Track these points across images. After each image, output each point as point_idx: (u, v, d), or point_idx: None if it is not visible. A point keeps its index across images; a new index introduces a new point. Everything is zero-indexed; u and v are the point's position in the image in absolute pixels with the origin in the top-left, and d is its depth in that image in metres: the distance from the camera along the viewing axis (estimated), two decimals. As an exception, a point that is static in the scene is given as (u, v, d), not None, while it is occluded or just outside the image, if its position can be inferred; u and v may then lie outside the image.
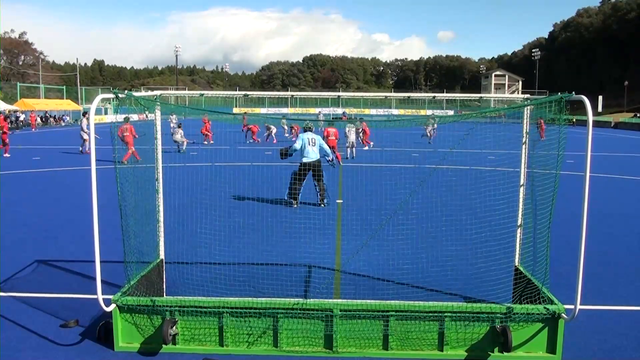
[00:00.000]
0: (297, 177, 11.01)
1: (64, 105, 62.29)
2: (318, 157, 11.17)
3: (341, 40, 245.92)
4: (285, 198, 11.26)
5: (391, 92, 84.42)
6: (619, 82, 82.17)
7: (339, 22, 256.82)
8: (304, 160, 11.05)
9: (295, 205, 11.07)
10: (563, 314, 4.66)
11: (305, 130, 11.61)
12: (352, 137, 21.99)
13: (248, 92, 6.69)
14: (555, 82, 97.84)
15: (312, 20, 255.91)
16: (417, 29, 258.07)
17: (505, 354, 4.70)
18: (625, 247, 8.59)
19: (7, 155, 22.26)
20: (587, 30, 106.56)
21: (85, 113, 19.41)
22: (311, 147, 11.10)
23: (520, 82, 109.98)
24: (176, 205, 10.17)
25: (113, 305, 4.77)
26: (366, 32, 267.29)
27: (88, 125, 20.06)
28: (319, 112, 65.91)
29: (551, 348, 4.74)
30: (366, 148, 24.99)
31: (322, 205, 11.22)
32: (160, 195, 5.79)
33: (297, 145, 11.19)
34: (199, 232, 8.16)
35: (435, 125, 33.20)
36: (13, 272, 6.98)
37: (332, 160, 12.02)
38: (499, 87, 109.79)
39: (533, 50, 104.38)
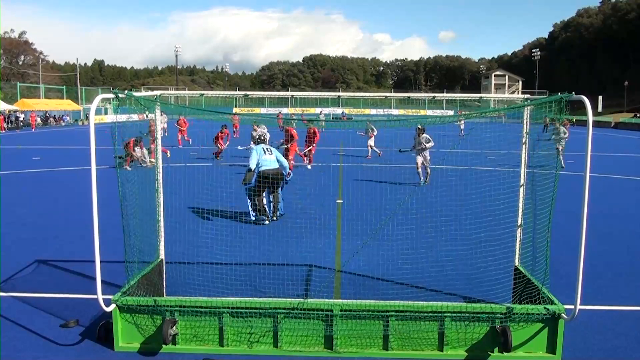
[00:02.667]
0: (255, 191, 9.96)
1: (64, 105, 62.28)
2: (277, 166, 10.12)
3: (342, 40, 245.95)
4: (252, 217, 10.08)
5: (391, 92, 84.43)
6: (619, 82, 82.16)
7: (340, 22, 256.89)
8: (262, 169, 9.97)
9: (268, 222, 9.96)
10: (563, 314, 4.66)
11: (258, 142, 10.67)
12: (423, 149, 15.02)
13: (248, 92, 6.69)
14: (555, 82, 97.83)
15: (313, 21, 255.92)
16: (418, 29, 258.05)
17: (505, 354, 4.71)
18: (625, 247, 8.59)
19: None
20: (587, 30, 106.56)
21: (137, 140, 16.03)
22: (268, 155, 10.13)
23: (520, 82, 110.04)
24: (177, 205, 10.17)
25: (113, 305, 4.77)
26: (367, 32, 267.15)
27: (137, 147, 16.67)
28: (320, 111, 65.92)
29: (551, 348, 4.74)
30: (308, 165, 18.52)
31: (275, 218, 10.18)
32: (161, 195, 5.79)
33: (253, 160, 10.04)
34: (199, 232, 8.17)
35: (462, 125, 32.94)
36: (13, 272, 6.98)
37: (290, 175, 10.85)
38: (499, 87, 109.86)
39: (533, 50, 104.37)
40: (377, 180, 15.04)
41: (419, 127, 14.85)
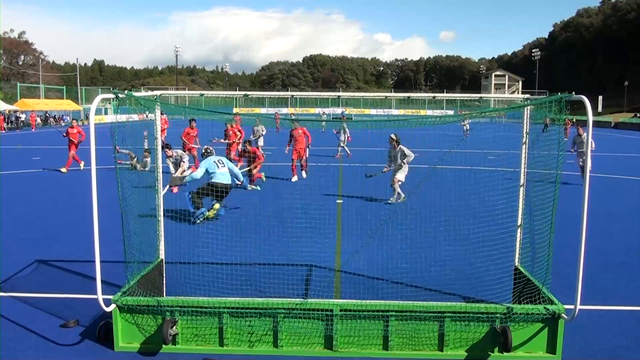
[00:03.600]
0: (202, 193, 9.61)
1: (64, 105, 62.32)
2: (229, 181, 9.93)
3: (343, 40, 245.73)
4: (194, 210, 9.79)
5: (391, 92, 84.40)
6: (619, 82, 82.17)
7: (340, 22, 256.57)
8: (214, 180, 9.72)
9: (200, 222, 9.67)
10: (563, 314, 4.66)
11: (205, 155, 10.23)
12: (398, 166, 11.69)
13: (248, 92, 6.69)
14: (555, 82, 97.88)
15: (314, 21, 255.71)
16: (419, 29, 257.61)
17: (505, 354, 4.71)
18: (625, 247, 8.59)
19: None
20: (587, 30, 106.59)
21: (147, 150, 14.57)
22: (221, 168, 9.91)
23: (520, 82, 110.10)
24: (177, 205, 10.17)
25: (113, 305, 4.78)
26: (368, 32, 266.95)
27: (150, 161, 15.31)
28: (323, 112, 65.92)
29: (551, 348, 4.74)
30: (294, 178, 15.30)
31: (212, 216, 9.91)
32: (160, 195, 5.79)
33: (199, 174, 9.80)
34: (199, 232, 8.17)
35: (468, 125, 32.66)
36: (13, 272, 6.98)
37: (242, 183, 10.84)
38: (499, 87, 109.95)
39: (533, 50, 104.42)
40: (377, 180, 15.03)
41: (392, 137, 11.41)
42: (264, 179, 13.63)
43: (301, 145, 15.47)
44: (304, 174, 15.52)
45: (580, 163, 14.86)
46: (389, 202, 11.66)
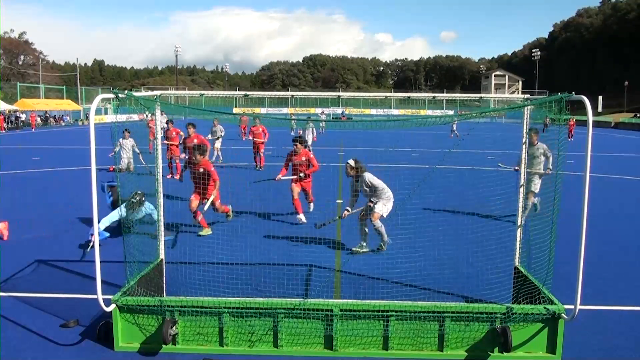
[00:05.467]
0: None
1: (64, 105, 62.38)
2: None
3: (343, 40, 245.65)
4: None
5: (391, 92, 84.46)
6: (619, 82, 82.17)
7: (341, 23, 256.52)
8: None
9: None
10: (563, 314, 4.66)
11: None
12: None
13: (248, 92, 6.69)
14: (555, 82, 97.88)
15: (315, 21, 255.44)
16: (420, 29, 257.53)
17: (505, 354, 4.71)
18: (625, 247, 8.59)
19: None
20: (587, 30, 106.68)
21: (126, 130, 13.84)
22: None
23: (520, 82, 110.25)
24: (177, 205, 10.17)
25: (113, 305, 4.78)
26: (369, 32, 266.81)
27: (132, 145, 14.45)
28: (322, 111, 65.99)
29: (551, 348, 4.75)
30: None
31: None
32: (160, 195, 5.79)
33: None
34: (199, 232, 8.16)
35: (455, 126, 32.49)
36: (13, 272, 6.98)
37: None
38: (499, 87, 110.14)
39: (533, 50, 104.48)
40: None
41: (350, 164, 8.23)
42: (231, 215, 9.89)
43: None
44: (311, 206, 11.19)
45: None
46: (381, 248, 8.04)
